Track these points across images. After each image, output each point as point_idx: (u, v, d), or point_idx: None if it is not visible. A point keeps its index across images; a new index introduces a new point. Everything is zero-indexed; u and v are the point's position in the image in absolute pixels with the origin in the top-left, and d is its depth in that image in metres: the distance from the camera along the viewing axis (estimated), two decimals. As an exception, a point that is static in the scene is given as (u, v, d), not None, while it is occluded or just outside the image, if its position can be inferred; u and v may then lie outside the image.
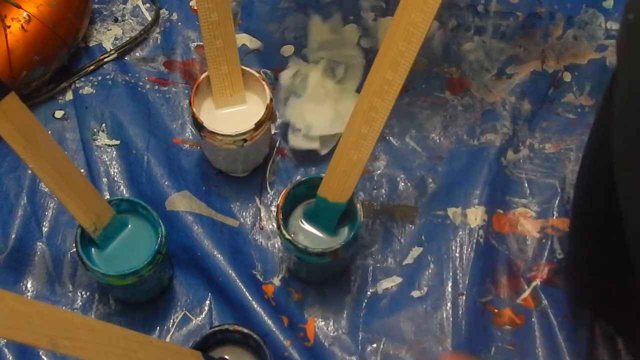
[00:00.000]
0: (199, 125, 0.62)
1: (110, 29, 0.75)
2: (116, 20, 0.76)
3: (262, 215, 0.68)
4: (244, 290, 0.63)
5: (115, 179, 0.69)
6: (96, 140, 0.70)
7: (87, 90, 0.72)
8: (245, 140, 0.62)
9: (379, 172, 0.69)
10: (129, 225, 0.60)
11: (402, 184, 0.69)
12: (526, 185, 0.69)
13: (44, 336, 0.40)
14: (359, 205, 0.59)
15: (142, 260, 0.57)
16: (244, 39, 0.75)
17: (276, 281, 0.65)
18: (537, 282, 0.65)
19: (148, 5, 0.77)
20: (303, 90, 0.68)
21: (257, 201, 0.68)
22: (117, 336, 0.45)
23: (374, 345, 0.63)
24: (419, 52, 0.52)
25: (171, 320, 0.64)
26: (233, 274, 0.63)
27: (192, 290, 0.65)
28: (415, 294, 0.65)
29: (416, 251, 0.66)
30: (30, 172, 0.67)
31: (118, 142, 0.70)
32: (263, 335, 0.58)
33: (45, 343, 0.40)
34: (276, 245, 0.67)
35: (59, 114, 0.71)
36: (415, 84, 0.73)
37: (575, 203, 0.65)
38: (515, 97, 0.73)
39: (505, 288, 0.65)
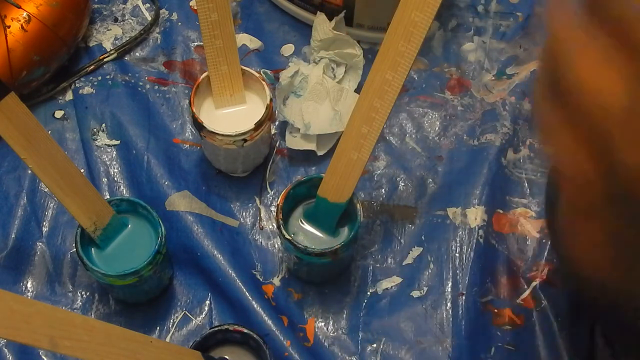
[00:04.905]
0: (199, 125, 0.62)
1: (110, 29, 0.75)
2: (116, 20, 0.76)
3: (262, 215, 0.68)
4: (244, 290, 0.63)
5: (115, 179, 0.69)
6: (96, 140, 0.70)
7: (87, 90, 0.72)
8: (245, 140, 0.62)
9: (379, 172, 0.69)
10: (129, 225, 0.60)
11: (402, 184, 0.69)
12: (526, 185, 0.69)
13: (44, 336, 0.40)
14: (359, 205, 0.59)
15: (142, 260, 0.57)
16: (244, 39, 0.75)
17: (276, 281, 0.65)
18: (537, 282, 0.65)
19: (148, 5, 0.77)
20: (303, 90, 0.68)
21: (257, 201, 0.68)
22: (117, 336, 0.45)
23: (374, 345, 0.63)
24: (419, 52, 0.52)
25: (171, 320, 0.64)
26: (233, 274, 0.63)
27: (192, 290, 0.65)
28: (415, 294, 0.65)
29: (416, 251, 0.66)
30: (30, 172, 0.67)
31: (118, 142, 0.70)
32: (263, 335, 0.58)
33: (45, 343, 0.40)
34: (276, 245, 0.67)
35: (59, 114, 0.72)
36: (415, 84, 0.73)
37: None
38: (516, 97, 0.73)
39: (505, 288, 0.65)
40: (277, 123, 0.71)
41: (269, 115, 0.63)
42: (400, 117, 0.72)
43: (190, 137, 0.71)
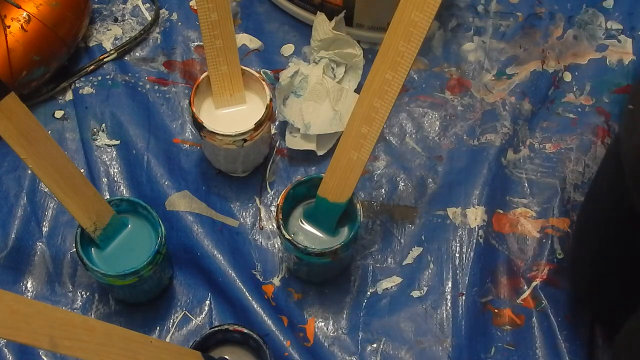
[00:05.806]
0: (199, 125, 0.62)
1: (110, 29, 0.75)
2: (116, 20, 0.76)
3: (262, 215, 0.68)
4: (244, 290, 0.63)
5: (115, 179, 0.69)
6: (96, 140, 0.70)
7: (87, 90, 0.72)
8: (245, 140, 0.62)
9: (379, 172, 0.69)
10: (129, 225, 0.60)
11: (402, 184, 0.69)
12: (526, 185, 0.69)
13: (44, 336, 0.40)
14: (359, 205, 0.59)
15: (142, 260, 0.57)
16: (244, 39, 0.75)
17: (276, 281, 0.65)
18: (537, 282, 0.65)
19: (148, 5, 0.77)
20: (303, 90, 0.68)
21: (257, 201, 0.68)
22: (117, 336, 0.45)
23: (374, 345, 0.63)
24: (419, 52, 0.52)
25: (171, 320, 0.64)
26: (233, 274, 0.63)
27: (192, 290, 0.65)
28: (415, 294, 0.65)
29: (416, 251, 0.66)
30: (30, 172, 0.67)
31: (118, 142, 0.70)
32: (263, 335, 0.58)
33: (45, 343, 0.40)
34: (276, 245, 0.67)
35: (59, 114, 0.72)
36: (415, 84, 0.73)
37: (587, 204, 0.65)
38: (516, 97, 0.73)
39: (505, 288, 0.65)
40: (277, 123, 0.71)
41: (269, 115, 0.63)
42: (400, 117, 0.72)
43: (190, 137, 0.71)
